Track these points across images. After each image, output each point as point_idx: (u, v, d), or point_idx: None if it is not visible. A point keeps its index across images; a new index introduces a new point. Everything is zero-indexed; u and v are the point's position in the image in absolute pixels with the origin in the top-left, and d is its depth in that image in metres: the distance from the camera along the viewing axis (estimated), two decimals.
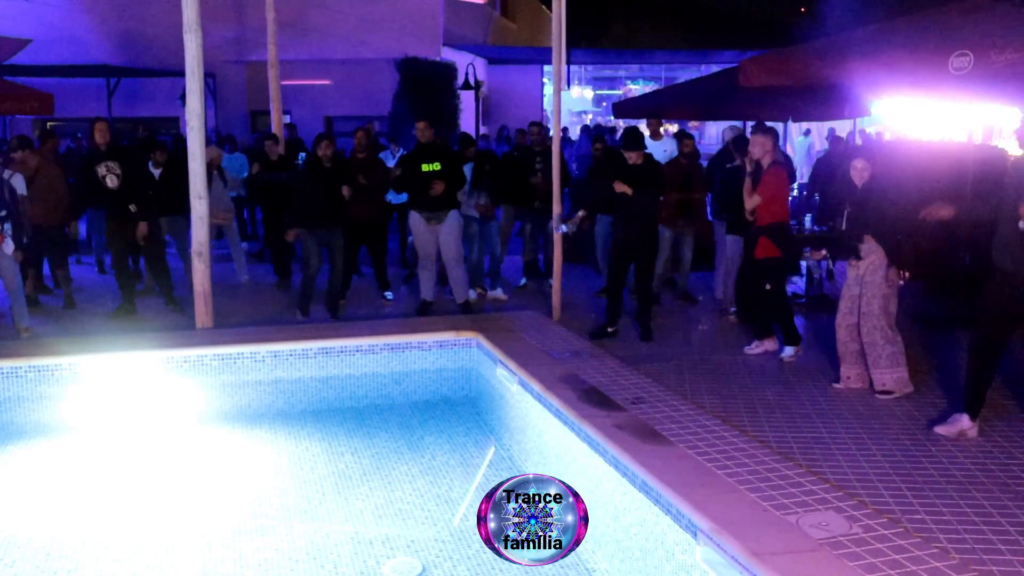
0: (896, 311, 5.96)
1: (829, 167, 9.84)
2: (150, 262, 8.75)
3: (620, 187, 7.23)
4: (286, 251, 9.73)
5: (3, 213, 7.13)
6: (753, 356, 6.97)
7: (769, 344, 7.05)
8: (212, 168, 9.62)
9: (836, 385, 6.12)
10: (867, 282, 5.87)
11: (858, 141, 17.19)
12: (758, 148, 6.86)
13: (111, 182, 8.24)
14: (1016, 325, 5.10)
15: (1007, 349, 5.29)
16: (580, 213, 7.91)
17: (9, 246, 7.14)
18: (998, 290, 5.03)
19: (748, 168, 6.90)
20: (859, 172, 5.93)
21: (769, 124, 7.56)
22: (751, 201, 6.79)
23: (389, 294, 9.03)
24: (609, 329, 7.44)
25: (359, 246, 9.17)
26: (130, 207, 8.25)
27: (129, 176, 8.32)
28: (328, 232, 8.16)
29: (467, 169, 8.68)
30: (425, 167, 8.06)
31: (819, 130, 22.47)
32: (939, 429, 5.12)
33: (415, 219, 8.23)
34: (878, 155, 6.04)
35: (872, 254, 5.83)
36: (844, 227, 6.03)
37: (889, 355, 5.86)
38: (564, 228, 7.80)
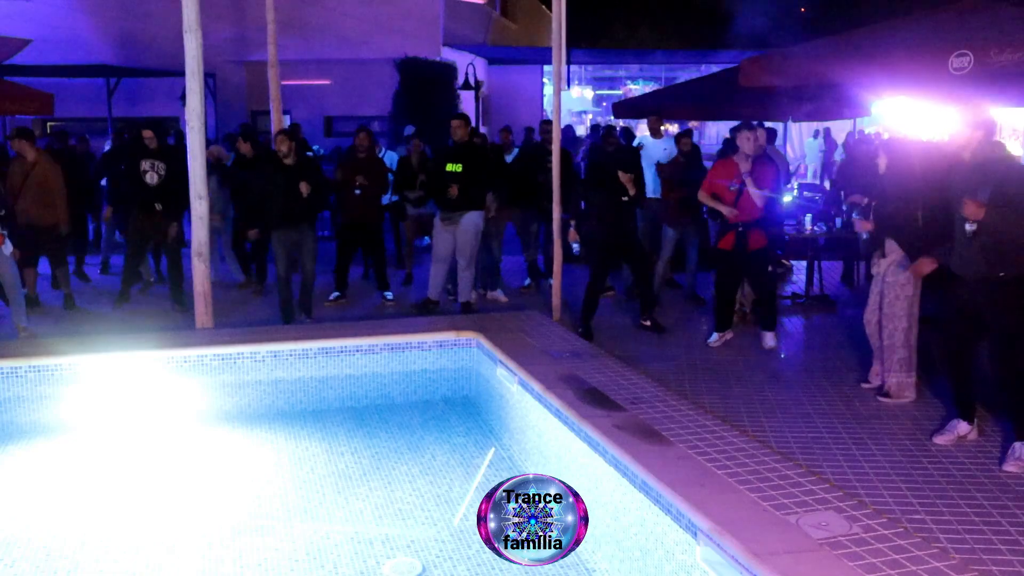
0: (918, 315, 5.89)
1: (858, 168, 9.68)
2: (171, 260, 8.83)
3: (624, 177, 7.32)
4: (257, 251, 9.54)
5: (2, 212, 7.14)
6: (716, 348, 7.17)
7: (728, 335, 7.28)
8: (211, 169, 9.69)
9: (864, 385, 6.09)
10: (888, 282, 5.82)
11: (858, 136, 17.19)
12: (750, 144, 6.91)
13: (151, 179, 8.44)
14: (979, 327, 4.98)
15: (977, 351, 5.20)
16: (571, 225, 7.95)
17: (8, 246, 7.16)
18: (956, 295, 5.01)
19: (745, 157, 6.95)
20: (880, 164, 5.94)
21: (769, 124, 7.59)
22: (760, 197, 6.84)
23: (389, 294, 9.03)
24: (580, 329, 7.51)
25: (356, 247, 9.16)
26: (156, 206, 8.41)
27: (172, 176, 8.43)
28: (295, 233, 7.88)
29: None
30: (449, 167, 8.07)
31: (806, 131, 22.55)
32: (938, 439, 5.10)
33: (436, 219, 8.29)
34: (892, 150, 6.01)
35: (894, 252, 5.79)
36: (870, 219, 5.99)
37: (902, 359, 5.83)
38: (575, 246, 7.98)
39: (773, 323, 7.19)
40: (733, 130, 10.10)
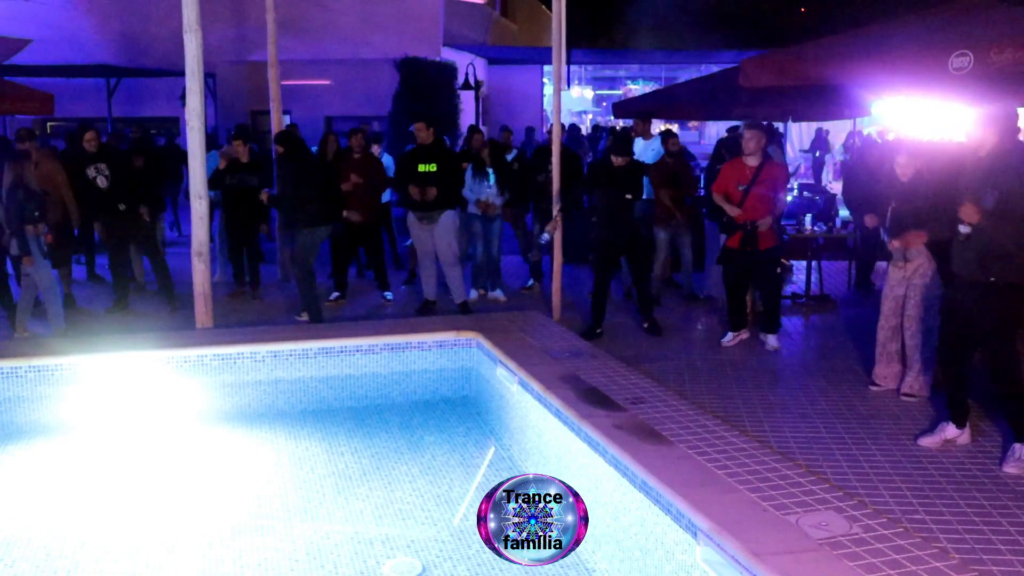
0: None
1: (867, 171, 9.61)
2: (152, 260, 8.84)
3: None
4: (254, 258, 9.26)
5: (36, 214, 7.16)
6: (731, 348, 7.15)
7: (744, 335, 7.25)
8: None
9: (873, 387, 6.08)
10: (914, 284, 5.81)
11: (857, 142, 17.19)
12: (753, 142, 6.93)
13: (102, 182, 8.47)
14: (972, 329, 4.96)
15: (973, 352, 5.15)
16: (557, 216, 7.88)
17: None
18: (950, 296, 4.99)
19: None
20: (903, 168, 5.89)
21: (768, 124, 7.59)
22: (776, 201, 6.92)
23: (389, 294, 9.02)
24: (597, 330, 7.47)
25: (356, 247, 9.12)
26: (119, 206, 8.42)
27: (118, 176, 8.50)
28: (294, 232, 8.07)
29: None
30: (421, 167, 8.05)
31: (806, 131, 22.55)
32: (923, 441, 5.06)
33: (411, 219, 8.24)
34: (919, 152, 5.98)
35: (920, 256, 5.78)
36: (888, 224, 5.96)
37: (928, 358, 5.84)
38: (546, 236, 7.91)
39: (776, 326, 7.18)
40: (733, 128, 10.10)
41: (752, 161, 6.99)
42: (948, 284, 5.07)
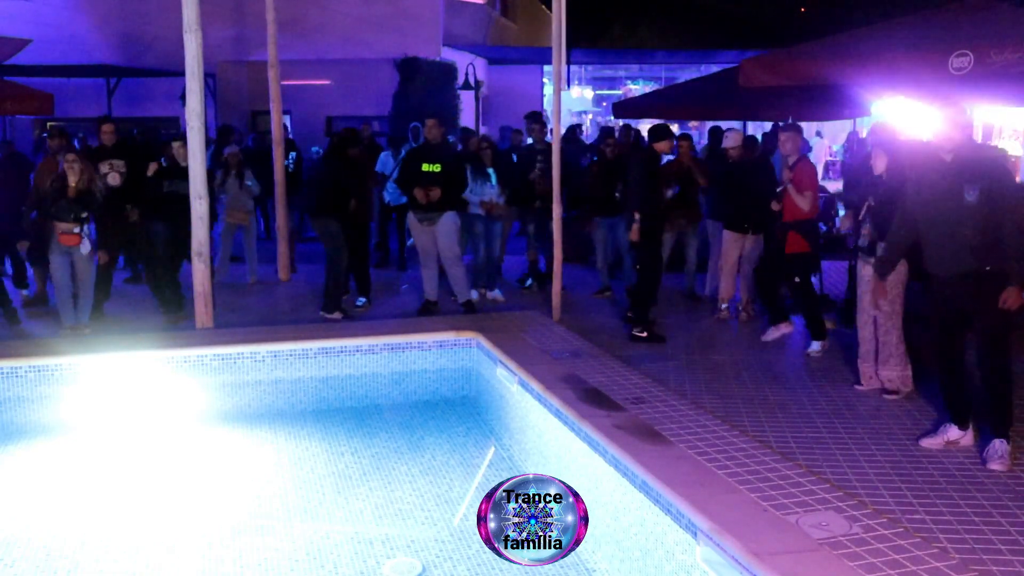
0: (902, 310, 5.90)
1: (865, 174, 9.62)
2: (150, 266, 8.46)
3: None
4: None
5: (84, 215, 7.17)
6: (770, 342, 7.12)
7: (785, 327, 7.18)
8: (231, 169, 9.68)
9: (859, 387, 6.06)
10: (887, 281, 5.81)
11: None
12: (790, 144, 6.92)
13: (113, 180, 8.16)
14: (962, 325, 4.94)
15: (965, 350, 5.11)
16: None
17: (86, 246, 7.20)
18: (936, 296, 4.99)
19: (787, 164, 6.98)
20: (876, 161, 5.90)
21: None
22: (804, 200, 6.85)
23: (361, 300, 8.65)
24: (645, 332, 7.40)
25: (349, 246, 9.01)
26: (127, 206, 8.12)
27: (133, 175, 8.24)
28: (320, 223, 8.25)
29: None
30: (425, 167, 8.02)
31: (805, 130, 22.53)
32: (925, 442, 5.02)
33: (411, 219, 8.23)
34: (893, 149, 5.98)
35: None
36: (869, 223, 5.97)
37: (900, 353, 5.84)
38: None
39: (817, 333, 6.94)
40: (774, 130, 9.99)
41: (785, 164, 6.97)
42: (928, 288, 5.05)
